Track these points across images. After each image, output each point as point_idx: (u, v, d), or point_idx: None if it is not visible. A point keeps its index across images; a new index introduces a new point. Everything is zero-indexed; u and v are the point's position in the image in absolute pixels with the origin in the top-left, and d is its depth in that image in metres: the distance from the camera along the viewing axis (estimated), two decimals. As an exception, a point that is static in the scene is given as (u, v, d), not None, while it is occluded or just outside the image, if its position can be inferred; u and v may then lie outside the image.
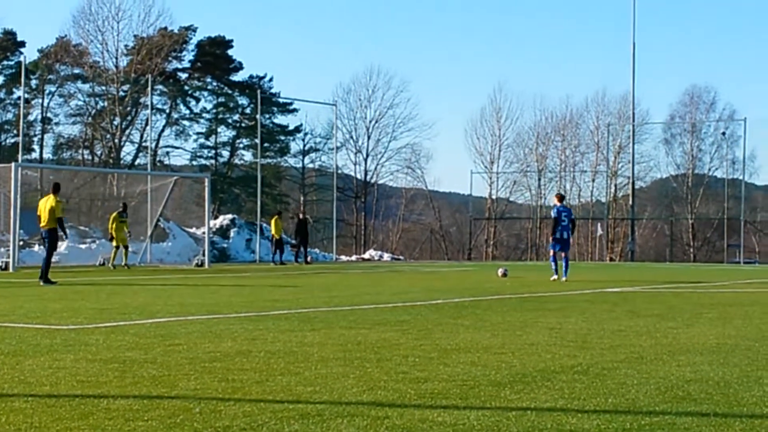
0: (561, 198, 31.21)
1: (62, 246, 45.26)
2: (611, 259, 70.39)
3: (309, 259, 49.59)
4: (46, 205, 26.62)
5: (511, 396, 8.21)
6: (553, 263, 30.07)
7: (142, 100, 71.66)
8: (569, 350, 11.28)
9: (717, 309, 18.14)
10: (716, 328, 14.20)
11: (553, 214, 30.83)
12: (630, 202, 74.80)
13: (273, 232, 47.16)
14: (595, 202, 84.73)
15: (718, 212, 75.51)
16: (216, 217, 58.61)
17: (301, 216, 51.58)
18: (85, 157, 76.29)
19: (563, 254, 30.04)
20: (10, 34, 76.03)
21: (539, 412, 7.57)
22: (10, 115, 76.59)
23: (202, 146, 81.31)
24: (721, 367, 9.99)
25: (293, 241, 51.59)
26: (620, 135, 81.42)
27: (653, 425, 7.11)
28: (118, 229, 38.91)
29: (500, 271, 32.87)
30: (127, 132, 74.30)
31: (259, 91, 64.51)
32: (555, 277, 29.58)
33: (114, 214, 39.54)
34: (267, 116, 78.95)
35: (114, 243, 39.18)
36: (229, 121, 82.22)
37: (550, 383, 8.85)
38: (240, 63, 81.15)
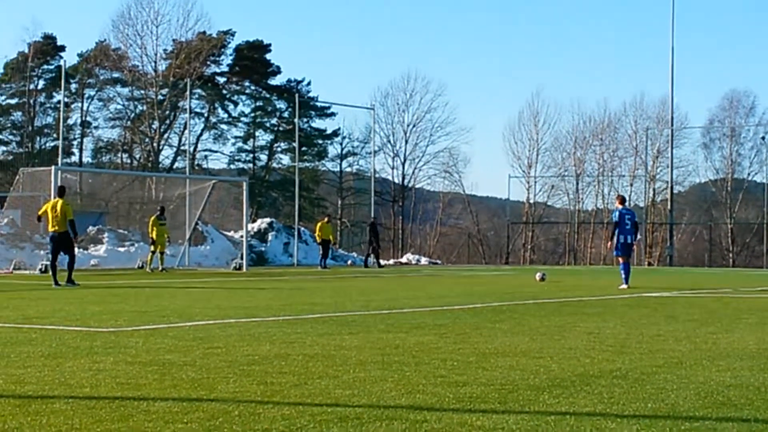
0: (623, 200, 29.40)
1: (101, 249, 45.56)
2: (649, 264, 70.07)
3: (371, 263, 49.78)
4: (56, 208, 26.42)
5: (550, 400, 8.19)
6: (623, 271, 28.03)
7: (180, 104, 72.05)
8: (608, 355, 11.24)
9: (757, 314, 18.02)
10: (756, 333, 14.11)
11: (614, 217, 28.80)
12: (668, 207, 74.38)
13: (320, 235, 46.88)
14: (633, 206, 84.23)
15: (758, 217, 75.02)
16: (254, 221, 58.76)
17: (372, 220, 52.11)
18: (124, 160, 76.79)
19: (623, 259, 28.30)
20: (51, 39, 76.68)
21: (578, 416, 7.55)
22: (50, 119, 77.27)
23: (240, 150, 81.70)
24: (762, 373, 9.93)
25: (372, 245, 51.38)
26: (659, 139, 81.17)
27: (693, 431, 7.08)
28: (159, 234, 39.01)
29: (538, 276, 32.73)
30: (165, 136, 74.74)
31: (297, 95, 64.64)
32: (625, 285, 27.42)
33: (152, 218, 39.66)
34: (305, 120, 79.14)
35: (152, 247, 39.31)
36: (267, 125, 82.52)
37: (588, 388, 8.82)
38: (278, 67, 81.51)
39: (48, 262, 35.87)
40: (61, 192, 27.37)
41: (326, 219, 49.13)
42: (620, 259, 28.67)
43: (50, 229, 26.80)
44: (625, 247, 28.49)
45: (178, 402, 7.91)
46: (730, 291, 27.64)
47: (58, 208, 26.42)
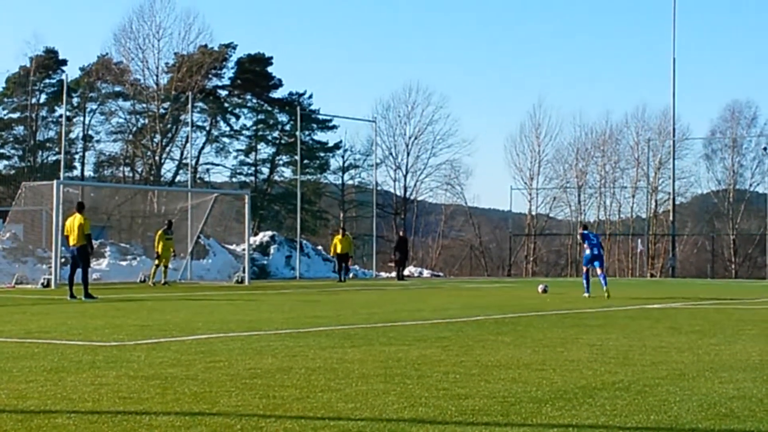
0: (585, 227, 32.64)
1: (103, 263, 45.57)
2: (652, 275, 70.00)
3: (402, 275, 50.25)
4: (74, 223, 27.39)
5: (553, 413, 8.19)
6: (585, 280, 30.56)
7: (182, 117, 72.00)
8: (610, 367, 11.23)
9: (759, 325, 18.02)
10: (759, 344, 14.10)
11: (578, 239, 32.15)
12: (671, 218, 74.37)
13: (339, 250, 46.56)
14: (636, 218, 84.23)
15: (760, 228, 74.88)
16: (256, 234, 58.72)
17: (401, 234, 52.33)
18: (126, 174, 76.71)
19: (599, 270, 30.40)
20: (52, 53, 76.64)
21: (581, 429, 7.55)
22: (52, 133, 77.21)
23: (242, 163, 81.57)
24: (765, 384, 9.92)
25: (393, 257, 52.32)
26: (660, 150, 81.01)
27: (696, 442, 7.08)
28: (165, 248, 39.10)
29: (540, 288, 32.86)
30: (167, 149, 74.66)
31: (298, 108, 64.65)
32: (587, 294, 29.92)
33: (159, 232, 39.70)
34: (306, 133, 79.07)
35: (156, 261, 39.36)
36: (269, 137, 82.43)
37: (591, 400, 8.82)
38: (280, 80, 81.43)
39: (50, 276, 36.07)
40: (79, 207, 28.15)
41: (341, 233, 48.71)
42: (585, 269, 31.00)
43: (70, 243, 27.57)
44: (597, 258, 30.57)
45: (180, 416, 7.90)
46: (733, 302, 27.62)
47: (75, 223, 27.25)
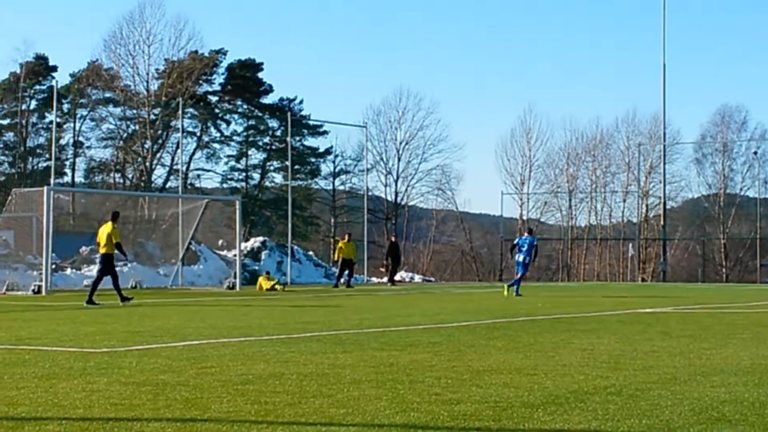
0: (530, 231, 35.75)
1: (94, 269, 45.44)
2: (643, 280, 70.03)
3: (394, 280, 50.54)
4: (104, 231, 27.77)
5: (544, 417, 8.19)
6: (519, 283, 33.24)
7: (173, 123, 71.97)
8: (602, 371, 11.24)
9: (751, 329, 18.03)
10: (750, 348, 14.11)
11: (523, 242, 33.78)
12: (661, 223, 74.41)
13: (344, 255, 46.45)
14: (627, 222, 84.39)
15: (751, 232, 75.04)
16: (247, 240, 58.69)
17: (393, 239, 52.38)
18: (117, 180, 76.64)
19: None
20: (43, 59, 76.62)
21: (573, 433, 7.55)
22: (42, 139, 77.16)
23: (232, 169, 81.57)
24: (756, 388, 9.93)
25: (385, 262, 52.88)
26: (651, 155, 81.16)
27: (688, 447, 7.08)
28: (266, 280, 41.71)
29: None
30: (158, 155, 74.59)
31: (289, 114, 64.57)
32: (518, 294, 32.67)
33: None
34: (297, 138, 79.06)
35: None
36: (260, 143, 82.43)
37: (583, 404, 8.82)
38: (270, 86, 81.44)
39: (41, 283, 36.01)
40: (113, 217, 28.35)
41: (347, 238, 48.50)
42: (520, 276, 33.47)
43: (99, 251, 28.28)
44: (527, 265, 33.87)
45: (171, 422, 7.89)
46: (724, 306, 27.66)
47: (105, 231, 27.72)
